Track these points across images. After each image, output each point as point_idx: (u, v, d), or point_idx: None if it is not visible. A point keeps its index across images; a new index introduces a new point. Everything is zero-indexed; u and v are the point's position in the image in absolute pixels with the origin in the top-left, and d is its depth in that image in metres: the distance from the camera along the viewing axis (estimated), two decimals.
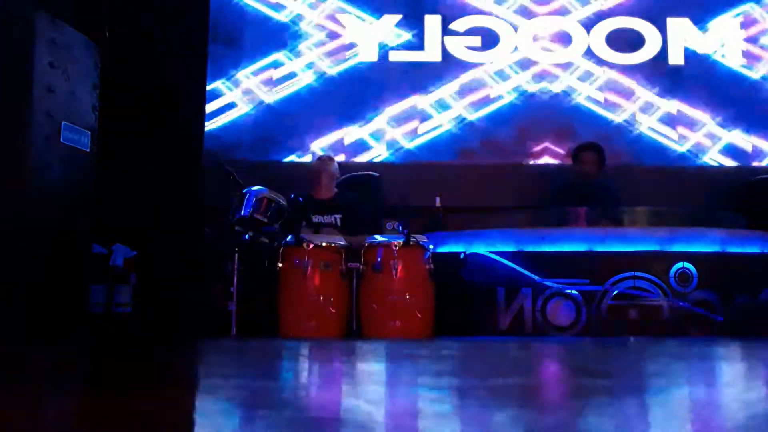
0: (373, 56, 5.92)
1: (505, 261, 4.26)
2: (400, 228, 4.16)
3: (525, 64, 5.93)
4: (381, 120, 5.85)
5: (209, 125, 5.84)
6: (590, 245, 4.25)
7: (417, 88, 5.88)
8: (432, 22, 5.95)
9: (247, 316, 4.08)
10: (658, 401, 1.69)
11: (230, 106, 5.91)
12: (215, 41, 5.91)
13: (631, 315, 4.13)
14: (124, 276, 4.66)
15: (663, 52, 5.92)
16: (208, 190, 5.60)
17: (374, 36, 5.94)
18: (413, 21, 5.95)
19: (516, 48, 5.93)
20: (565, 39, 5.95)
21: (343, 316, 4.10)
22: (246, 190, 4.22)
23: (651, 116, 5.85)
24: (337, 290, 4.11)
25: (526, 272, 4.21)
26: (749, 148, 5.82)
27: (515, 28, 5.95)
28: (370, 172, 5.49)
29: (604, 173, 5.25)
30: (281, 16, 5.99)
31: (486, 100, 5.88)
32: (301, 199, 4.55)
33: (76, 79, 4.07)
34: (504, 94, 5.88)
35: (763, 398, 1.83)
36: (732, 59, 5.93)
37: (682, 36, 5.94)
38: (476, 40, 5.94)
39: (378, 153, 5.79)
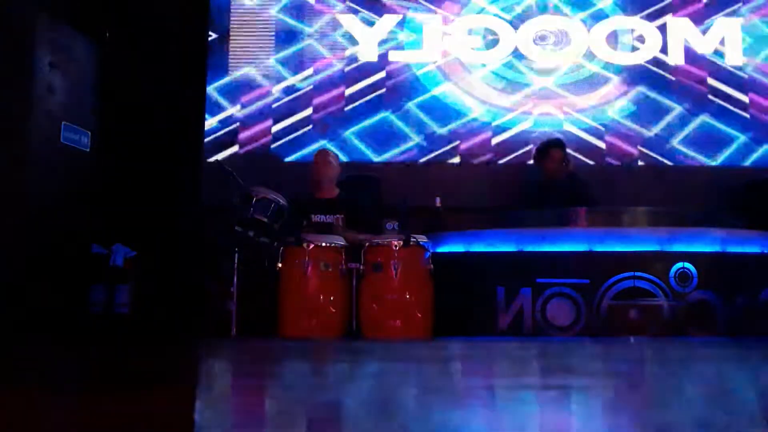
0: (373, 56, 5.92)
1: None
2: (398, 227, 4.16)
3: (525, 63, 5.93)
4: (380, 119, 5.85)
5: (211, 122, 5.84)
6: (590, 245, 4.25)
7: (418, 88, 5.88)
8: (432, 22, 5.95)
9: (247, 316, 4.09)
10: (658, 401, 1.69)
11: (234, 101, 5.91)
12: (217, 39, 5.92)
13: (631, 315, 4.13)
14: (124, 276, 4.66)
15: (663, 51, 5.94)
16: (208, 190, 5.61)
17: (375, 36, 5.94)
18: (413, 20, 5.95)
19: (515, 48, 5.93)
20: (564, 40, 5.95)
21: (343, 316, 4.10)
22: (246, 189, 4.21)
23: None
24: (337, 290, 4.11)
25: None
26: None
27: (515, 28, 5.95)
28: (370, 173, 5.49)
29: (573, 169, 5.22)
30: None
31: (488, 100, 5.88)
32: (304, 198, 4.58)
33: (76, 79, 4.07)
34: (505, 93, 5.89)
35: (761, 399, 1.83)
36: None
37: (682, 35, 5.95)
38: (477, 40, 5.94)
39: (378, 152, 5.79)
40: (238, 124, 5.86)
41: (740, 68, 5.91)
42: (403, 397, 1.80)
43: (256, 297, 4.18)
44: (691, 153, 5.78)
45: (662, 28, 5.94)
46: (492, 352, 3.49)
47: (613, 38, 5.95)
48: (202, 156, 5.75)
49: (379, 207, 5.12)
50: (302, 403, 1.64)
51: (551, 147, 5.19)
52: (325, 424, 1.43)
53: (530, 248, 4.28)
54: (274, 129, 5.86)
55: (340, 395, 1.83)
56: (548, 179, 5.12)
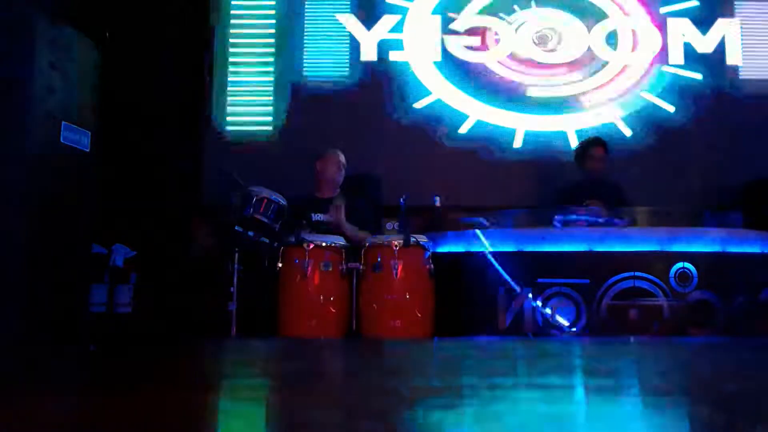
0: (372, 56, 5.92)
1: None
2: (398, 227, 4.16)
3: (525, 62, 5.93)
4: (379, 118, 5.85)
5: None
6: (590, 245, 4.25)
7: (418, 87, 5.88)
8: (431, 22, 5.95)
9: (247, 316, 4.09)
10: (659, 401, 1.69)
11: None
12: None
13: (631, 315, 4.13)
14: (124, 276, 4.66)
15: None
16: (208, 190, 5.61)
17: (374, 35, 5.94)
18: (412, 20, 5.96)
19: (516, 46, 5.93)
20: (563, 40, 5.96)
21: (343, 316, 4.10)
22: (246, 189, 4.21)
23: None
24: (337, 290, 4.11)
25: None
26: None
27: (514, 28, 5.95)
28: (370, 173, 5.49)
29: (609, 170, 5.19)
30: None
31: (488, 99, 5.88)
32: (301, 202, 4.57)
33: (76, 79, 4.07)
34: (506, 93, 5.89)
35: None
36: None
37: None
38: (476, 40, 5.94)
39: (376, 151, 5.78)
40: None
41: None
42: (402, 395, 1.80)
43: (256, 297, 4.18)
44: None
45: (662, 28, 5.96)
46: (492, 351, 3.49)
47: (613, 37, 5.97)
48: (202, 156, 5.76)
49: (379, 207, 5.12)
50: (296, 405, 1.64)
51: (592, 145, 5.14)
52: (321, 423, 1.43)
53: (530, 248, 4.28)
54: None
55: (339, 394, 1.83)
56: (590, 180, 5.05)
